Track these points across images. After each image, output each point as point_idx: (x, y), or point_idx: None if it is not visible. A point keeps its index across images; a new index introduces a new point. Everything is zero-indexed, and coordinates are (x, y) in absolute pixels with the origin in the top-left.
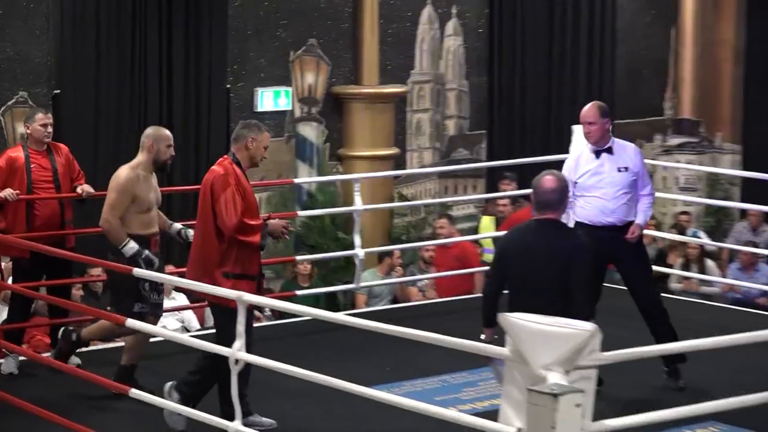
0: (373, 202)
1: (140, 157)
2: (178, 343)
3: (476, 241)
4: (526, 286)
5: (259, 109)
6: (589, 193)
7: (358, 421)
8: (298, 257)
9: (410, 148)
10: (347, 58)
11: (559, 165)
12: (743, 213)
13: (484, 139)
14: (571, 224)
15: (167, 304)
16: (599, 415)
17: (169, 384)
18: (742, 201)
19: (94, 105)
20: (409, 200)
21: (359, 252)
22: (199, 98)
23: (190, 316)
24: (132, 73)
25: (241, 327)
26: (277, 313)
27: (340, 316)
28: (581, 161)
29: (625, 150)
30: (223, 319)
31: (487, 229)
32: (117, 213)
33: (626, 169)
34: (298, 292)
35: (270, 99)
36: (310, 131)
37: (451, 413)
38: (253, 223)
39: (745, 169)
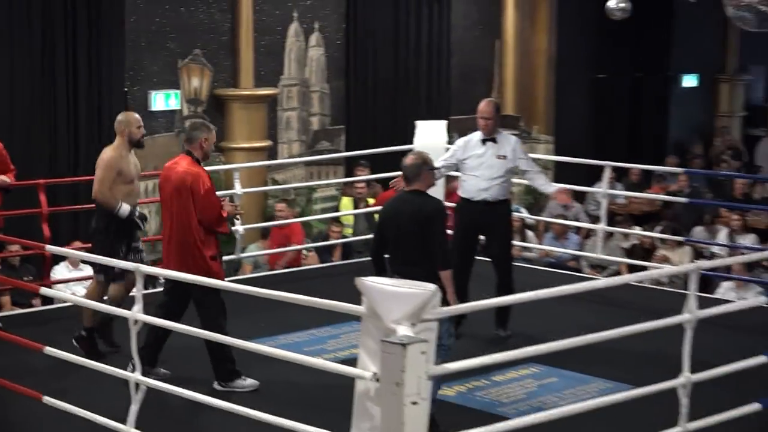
0: (251, 186)
1: (118, 140)
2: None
3: (337, 218)
4: (400, 245)
5: (153, 109)
6: (470, 173)
7: (242, 370)
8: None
9: (281, 141)
10: (227, 65)
11: (404, 154)
12: None
13: (343, 133)
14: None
15: (77, 274)
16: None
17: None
18: (555, 182)
19: (9, 107)
20: (280, 184)
21: (239, 228)
22: (101, 100)
23: None
24: (42, 80)
25: (138, 294)
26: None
27: (222, 283)
28: (469, 146)
29: (508, 141)
30: (207, 295)
31: (346, 207)
32: (105, 185)
33: (504, 157)
34: None
35: (162, 100)
36: None
37: (317, 361)
38: (225, 213)
39: (557, 155)
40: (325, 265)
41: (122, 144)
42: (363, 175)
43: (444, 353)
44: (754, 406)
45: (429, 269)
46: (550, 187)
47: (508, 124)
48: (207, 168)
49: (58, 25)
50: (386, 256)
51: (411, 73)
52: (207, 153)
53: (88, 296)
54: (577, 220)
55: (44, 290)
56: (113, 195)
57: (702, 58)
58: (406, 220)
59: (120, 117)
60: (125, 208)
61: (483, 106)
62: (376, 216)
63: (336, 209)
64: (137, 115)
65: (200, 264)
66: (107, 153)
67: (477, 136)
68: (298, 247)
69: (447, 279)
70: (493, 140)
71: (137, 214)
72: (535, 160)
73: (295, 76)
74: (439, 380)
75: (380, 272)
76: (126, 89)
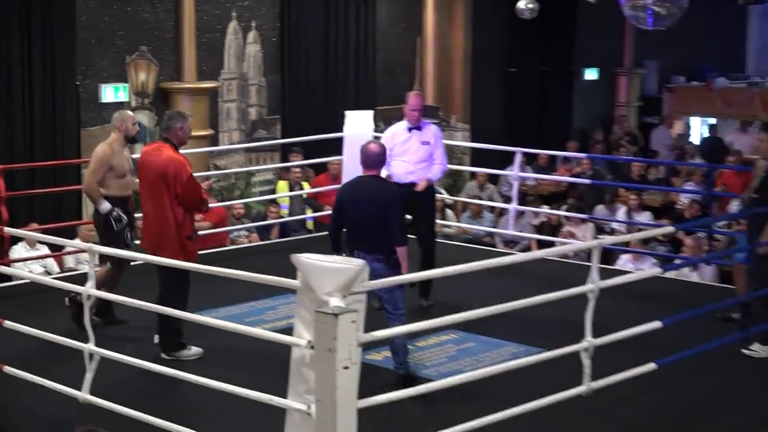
0: (194, 171)
1: (113, 135)
2: (41, 284)
3: (274, 200)
4: (362, 226)
5: (103, 101)
6: (398, 158)
7: (188, 339)
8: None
9: (222, 130)
10: (171, 61)
11: (335, 142)
12: (472, 175)
13: (278, 122)
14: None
15: (33, 253)
16: (371, 328)
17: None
18: (471, 166)
19: None
20: (221, 170)
21: None
22: (54, 92)
23: (52, 263)
24: None
25: (91, 271)
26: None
27: (167, 260)
28: (396, 134)
29: (430, 129)
30: (175, 273)
31: (282, 190)
32: (95, 178)
33: (428, 143)
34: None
35: (111, 93)
36: (144, 118)
37: (257, 331)
38: (205, 195)
39: (473, 142)
40: (263, 243)
41: (118, 139)
42: (297, 161)
43: (402, 317)
44: (650, 366)
45: (388, 246)
46: (433, 178)
47: (430, 113)
48: None
49: (13, 25)
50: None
51: (340, 67)
52: (183, 140)
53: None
54: (491, 200)
55: (2, 269)
56: (107, 187)
57: (602, 53)
58: (369, 204)
59: (116, 114)
60: (105, 205)
61: (413, 99)
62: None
63: (273, 192)
64: (131, 113)
65: (177, 243)
66: (101, 148)
67: (402, 125)
68: (230, 228)
69: (403, 254)
70: (418, 128)
71: (114, 213)
72: (451, 146)
73: (234, 70)
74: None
75: (337, 249)
76: (78, 83)
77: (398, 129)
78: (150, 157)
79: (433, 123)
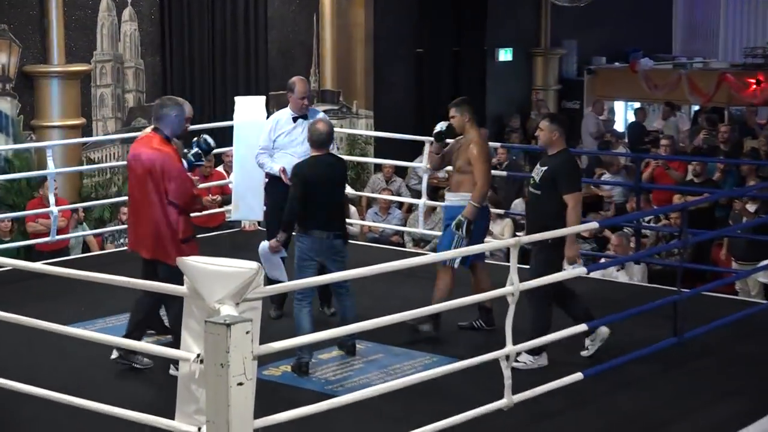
0: (64, 165)
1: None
2: None
3: None
4: (330, 206)
5: None
6: (283, 150)
7: (62, 356)
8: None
9: (96, 119)
10: (36, 41)
11: (224, 130)
12: (377, 167)
13: None
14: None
15: None
16: (269, 339)
17: None
18: (376, 157)
19: None
20: (96, 163)
21: (54, 210)
22: None
23: None
24: None
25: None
26: None
27: (39, 265)
28: (280, 124)
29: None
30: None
31: None
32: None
33: None
34: (1, 246)
35: None
36: (5, 105)
37: (138, 343)
38: (197, 193)
39: (377, 130)
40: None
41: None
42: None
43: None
44: (576, 376)
45: (343, 223)
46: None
47: (328, 98)
48: (18, 146)
49: None
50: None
51: (228, 47)
52: (178, 130)
53: None
54: (399, 195)
55: None
56: None
57: (517, 33)
58: (338, 182)
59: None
60: None
61: (301, 86)
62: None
63: None
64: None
65: (173, 247)
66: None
67: (286, 113)
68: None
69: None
70: (305, 117)
71: None
72: (353, 136)
73: (108, 51)
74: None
75: (290, 231)
76: None
77: (282, 117)
78: (139, 150)
79: (322, 110)
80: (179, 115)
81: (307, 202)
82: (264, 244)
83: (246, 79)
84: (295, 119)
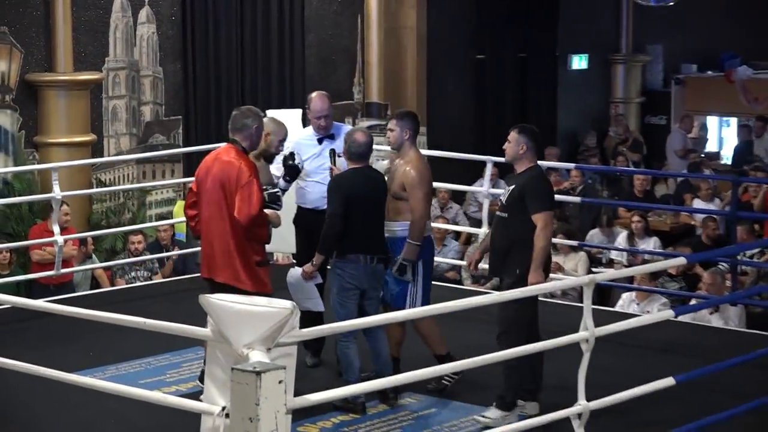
0: (71, 188)
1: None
2: None
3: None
4: (374, 225)
5: None
6: (310, 179)
7: (67, 407)
8: None
9: (107, 135)
10: (40, 46)
11: None
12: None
13: (180, 124)
14: (295, 209)
15: None
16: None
17: None
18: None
19: None
20: (107, 186)
21: (59, 239)
22: None
23: None
24: None
25: None
26: None
27: (42, 303)
28: (303, 147)
29: (354, 127)
30: None
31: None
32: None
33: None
34: None
35: None
36: (5, 119)
37: (155, 395)
38: (264, 213)
39: (430, 148)
40: (163, 280)
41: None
42: None
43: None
44: None
45: (384, 244)
46: None
47: (374, 112)
48: (19, 168)
49: None
50: None
51: (260, 53)
52: (256, 144)
53: None
54: (455, 223)
55: None
56: None
57: (593, 36)
58: (380, 199)
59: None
60: None
61: (318, 102)
62: None
63: (172, 215)
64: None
65: (247, 272)
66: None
67: (308, 133)
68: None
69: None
70: (331, 137)
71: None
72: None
73: (122, 58)
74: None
75: (330, 255)
76: None
77: (304, 140)
78: (208, 163)
79: (346, 125)
80: (260, 128)
81: (348, 221)
82: (295, 271)
83: (280, 89)
84: (320, 140)
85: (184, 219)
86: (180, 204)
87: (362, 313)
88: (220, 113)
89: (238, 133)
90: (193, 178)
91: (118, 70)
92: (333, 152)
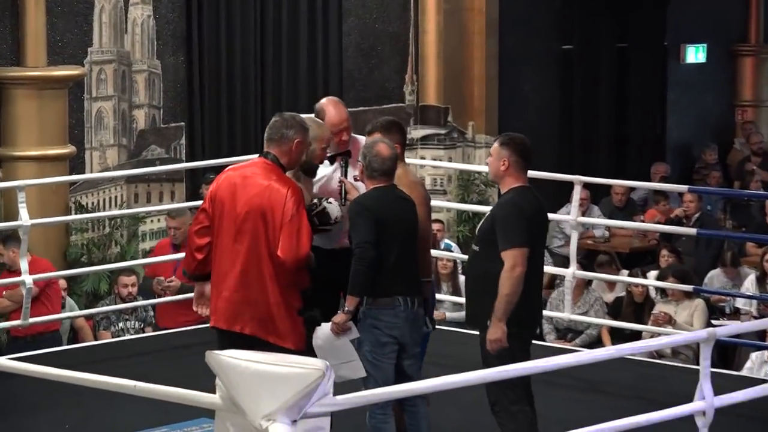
0: (44, 213)
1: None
2: None
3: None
4: (403, 257)
5: None
6: None
7: None
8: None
9: (90, 146)
10: (5, 33)
11: None
12: None
13: (183, 133)
14: None
15: None
16: None
17: None
18: None
19: None
20: (89, 211)
21: (26, 279)
22: None
23: None
24: None
25: None
26: None
27: (6, 362)
28: None
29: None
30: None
31: None
32: None
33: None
34: None
35: None
36: None
37: None
38: (310, 254)
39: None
40: (159, 333)
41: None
42: None
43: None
44: None
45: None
46: None
47: (431, 118)
48: None
49: None
50: None
51: (285, 43)
52: (297, 161)
53: None
54: None
55: None
56: None
57: (713, 22)
58: (416, 223)
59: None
60: None
61: (335, 112)
62: None
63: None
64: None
65: (289, 324)
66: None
67: None
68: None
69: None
70: (347, 154)
71: None
72: (467, 173)
73: (109, 48)
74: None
75: (368, 287)
76: None
77: None
78: (235, 179)
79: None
80: (303, 144)
81: (379, 254)
82: (322, 330)
83: (309, 89)
84: (332, 159)
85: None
86: None
87: (401, 376)
88: (233, 120)
89: (274, 145)
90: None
91: (103, 63)
92: (346, 161)
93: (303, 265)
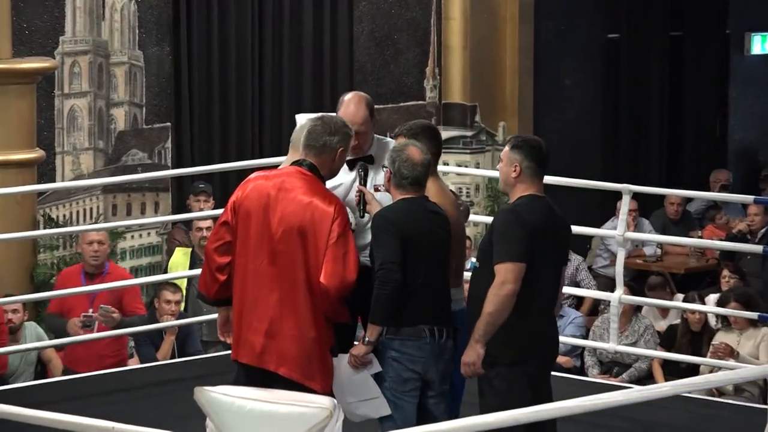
0: (7, 227)
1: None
2: None
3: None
4: (432, 280)
5: None
6: None
7: None
8: None
9: (61, 150)
10: None
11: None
12: None
13: (169, 135)
14: None
15: None
16: None
17: None
18: None
19: None
20: (60, 225)
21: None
22: None
23: None
24: None
25: None
26: None
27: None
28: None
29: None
30: None
31: (181, 266)
32: None
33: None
34: None
35: None
36: None
37: None
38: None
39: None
40: (144, 366)
41: None
42: (206, 209)
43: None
44: None
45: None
46: None
47: (456, 118)
48: None
49: None
50: None
51: (287, 32)
52: (335, 173)
53: None
54: (576, 284)
55: None
56: None
57: None
58: (448, 242)
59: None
60: None
61: (353, 108)
62: None
63: (164, 269)
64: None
65: (321, 364)
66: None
67: None
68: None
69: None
70: (369, 159)
71: None
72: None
73: (83, 37)
74: None
75: (391, 313)
76: None
77: None
78: (267, 190)
79: (391, 140)
80: (346, 152)
81: (406, 276)
82: (339, 363)
83: (315, 84)
84: (351, 164)
85: (185, 273)
86: (179, 254)
87: (424, 416)
88: (227, 119)
89: (314, 153)
90: (188, 215)
91: (77, 55)
92: (365, 168)
93: (347, 295)
